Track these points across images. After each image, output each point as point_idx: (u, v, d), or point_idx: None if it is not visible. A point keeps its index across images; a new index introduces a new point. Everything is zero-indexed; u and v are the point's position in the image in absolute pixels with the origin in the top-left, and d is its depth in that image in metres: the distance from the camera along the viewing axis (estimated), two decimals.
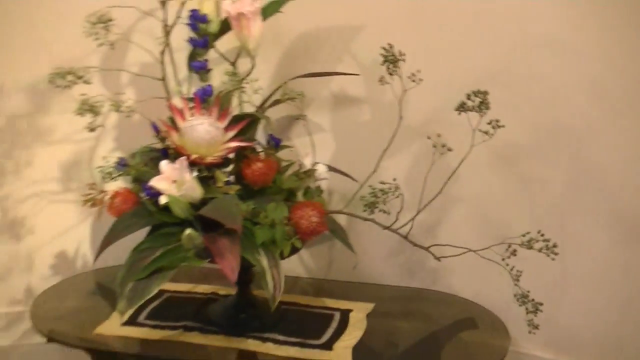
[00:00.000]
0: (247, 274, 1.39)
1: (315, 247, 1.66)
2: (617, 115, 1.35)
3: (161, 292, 1.51)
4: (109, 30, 1.26)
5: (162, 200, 1.19)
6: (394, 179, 1.22)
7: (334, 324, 1.38)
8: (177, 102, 1.29)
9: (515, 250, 1.19)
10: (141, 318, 1.41)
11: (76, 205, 1.70)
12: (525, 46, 1.40)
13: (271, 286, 1.17)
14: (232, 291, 1.47)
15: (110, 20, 1.26)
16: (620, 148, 1.36)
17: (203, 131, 1.22)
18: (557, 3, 1.36)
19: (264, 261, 1.19)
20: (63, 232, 1.73)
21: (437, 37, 1.46)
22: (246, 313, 1.41)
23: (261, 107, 1.36)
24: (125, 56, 1.57)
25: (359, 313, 1.42)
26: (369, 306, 1.45)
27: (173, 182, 1.20)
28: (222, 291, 1.51)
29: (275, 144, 1.35)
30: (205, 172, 1.24)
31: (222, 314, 1.41)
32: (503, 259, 1.23)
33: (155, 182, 1.20)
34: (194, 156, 1.21)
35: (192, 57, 1.36)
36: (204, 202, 1.21)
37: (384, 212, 1.21)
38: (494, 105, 1.21)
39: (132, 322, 1.40)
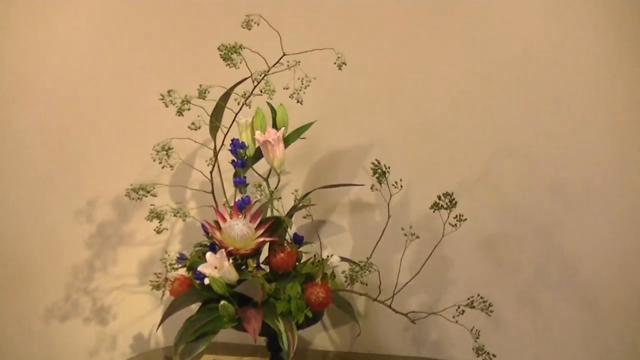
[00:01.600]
0: (277, 344, 1.75)
1: (340, 327, 2.00)
2: (571, 209, 1.68)
3: None
4: (170, 155, 1.68)
5: (206, 281, 1.58)
6: (368, 258, 1.58)
7: None
8: (221, 209, 1.70)
9: (463, 310, 1.53)
10: None
11: (150, 296, 2.11)
12: (494, 157, 1.76)
13: (286, 344, 1.53)
14: None
15: (170, 148, 1.68)
16: (582, 236, 1.68)
17: (238, 230, 1.62)
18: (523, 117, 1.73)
19: (281, 326, 1.55)
20: (139, 318, 2.13)
21: (425, 154, 1.83)
22: None
23: (290, 213, 1.75)
24: (186, 175, 2.00)
25: None
26: None
27: (215, 268, 1.60)
28: None
29: (297, 240, 1.74)
30: (240, 260, 1.64)
31: None
32: (473, 329, 1.57)
33: (202, 268, 1.60)
34: (230, 248, 1.61)
35: (235, 176, 1.78)
36: (239, 283, 1.60)
37: (363, 283, 1.58)
38: (473, 203, 1.57)
39: None
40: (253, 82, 1.62)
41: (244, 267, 1.64)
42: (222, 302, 1.53)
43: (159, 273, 1.75)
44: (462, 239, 1.74)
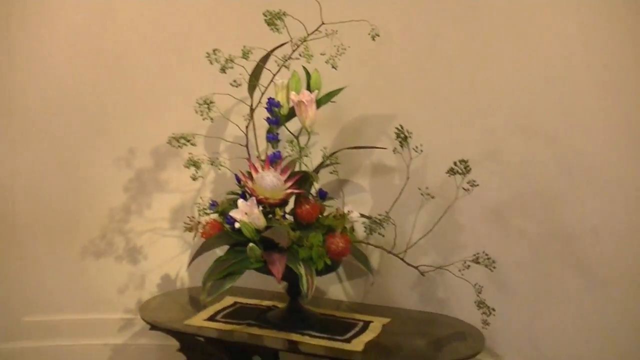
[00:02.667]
0: (296, 288, 1.90)
1: (354, 280, 2.16)
2: (575, 184, 1.81)
3: (235, 303, 2.04)
4: (210, 109, 1.83)
5: (237, 225, 1.73)
6: (386, 212, 1.72)
7: (357, 328, 1.86)
8: (255, 161, 1.85)
9: (469, 265, 1.67)
10: (218, 317, 1.94)
11: (179, 240, 2.28)
12: (506, 132, 1.89)
13: (306, 287, 1.68)
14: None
15: (212, 102, 1.83)
16: (584, 210, 1.80)
17: (269, 181, 1.76)
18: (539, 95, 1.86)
19: (302, 270, 1.70)
20: (168, 260, 2.29)
21: (443, 126, 1.97)
22: (294, 317, 1.91)
23: (316, 169, 1.89)
24: (223, 128, 2.13)
25: (377, 323, 1.90)
26: (386, 320, 1.93)
27: (245, 214, 1.75)
28: (281, 304, 2.02)
29: (321, 195, 1.89)
30: (268, 209, 1.79)
31: (276, 317, 1.92)
32: (476, 284, 1.71)
33: (234, 213, 1.75)
34: (260, 197, 1.76)
35: (268, 132, 1.93)
36: (266, 229, 1.75)
37: (381, 235, 1.72)
38: (485, 174, 1.71)
39: (211, 319, 1.92)
40: (292, 46, 1.76)
41: (271, 215, 1.79)
42: (251, 244, 1.68)
43: (192, 217, 1.90)
44: (472, 206, 1.87)
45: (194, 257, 1.77)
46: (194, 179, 1.90)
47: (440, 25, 1.96)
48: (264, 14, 1.69)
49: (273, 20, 1.70)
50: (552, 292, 1.87)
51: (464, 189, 1.71)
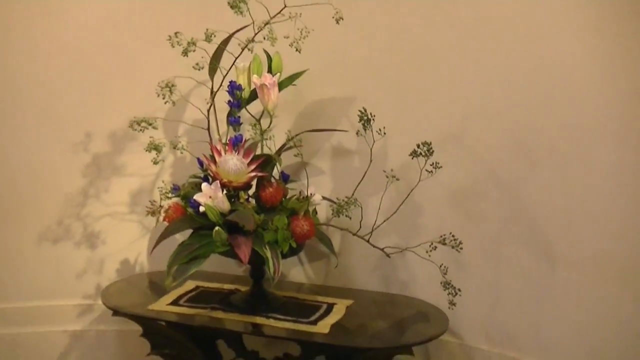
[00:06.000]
0: (260, 272, 1.91)
1: (315, 263, 2.17)
2: (535, 168, 1.84)
3: (197, 287, 2.04)
4: (173, 92, 1.81)
5: (201, 209, 1.73)
6: (352, 194, 1.74)
7: (321, 311, 1.88)
8: (217, 145, 1.83)
9: (435, 247, 1.70)
10: (181, 302, 1.93)
11: (138, 224, 2.25)
12: (467, 116, 1.91)
13: (272, 270, 1.68)
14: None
15: (173, 85, 1.81)
16: (544, 194, 1.83)
17: (232, 164, 1.75)
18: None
19: (268, 253, 1.70)
20: (127, 245, 2.27)
21: (404, 109, 1.98)
22: (257, 300, 1.91)
23: (278, 152, 1.89)
24: (182, 112, 2.12)
25: (341, 305, 1.92)
26: (349, 302, 1.94)
27: (209, 198, 1.74)
28: (243, 288, 2.02)
29: (284, 177, 1.89)
30: (232, 192, 1.78)
31: (240, 300, 1.92)
32: (442, 265, 1.74)
33: (198, 197, 1.74)
34: (224, 180, 1.75)
35: (229, 115, 1.92)
36: (230, 212, 1.74)
37: (348, 217, 1.73)
38: (446, 158, 1.73)
39: (174, 303, 1.92)
40: (255, 29, 1.75)
41: (235, 199, 1.78)
42: (217, 228, 1.68)
43: (154, 201, 1.88)
44: (433, 189, 1.88)
45: (158, 242, 1.75)
46: (155, 162, 1.88)
47: (403, 8, 1.97)
48: None
49: (236, 2, 1.68)
50: (513, 274, 1.90)
51: (427, 171, 1.73)
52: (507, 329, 1.94)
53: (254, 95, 1.90)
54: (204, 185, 1.75)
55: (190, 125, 2.00)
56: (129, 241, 2.27)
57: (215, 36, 1.75)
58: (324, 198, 1.89)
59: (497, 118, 1.88)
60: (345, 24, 1.75)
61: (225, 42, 1.84)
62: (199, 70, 1.79)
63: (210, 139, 1.90)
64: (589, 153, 1.77)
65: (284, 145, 1.88)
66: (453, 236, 1.69)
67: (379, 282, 2.10)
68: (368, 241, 1.78)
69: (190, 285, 2.05)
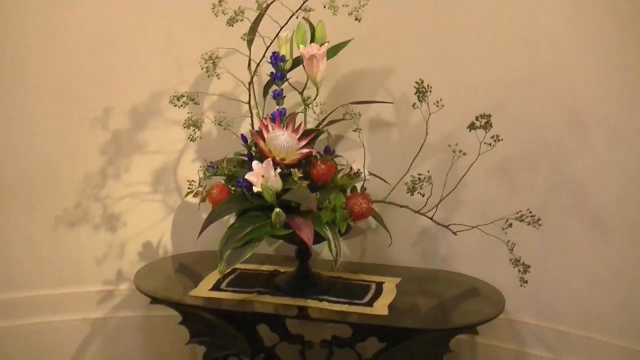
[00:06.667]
0: (307, 253, 1.83)
1: (350, 239, 2.09)
2: (586, 139, 1.80)
3: (234, 269, 1.92)
4: (216, 65, 1.70)
5: (255, 189, 1.62)
6: (428, 171, 1.66)
7: (372, 291, 1.80)
8: (258, 120, 1.73)
9: (511, 224, 1.63)
10: (222, 286, 1.83)
11: (162, 204, 2.14)
12: (519, 87, 1.85)
13: (335, 252, 1.60)
14: (290, 268, 1.90)
15: (218, 58, 1.70)
16: (594, 163, 1.79)
17: (283, 140, 1.65)
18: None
19: (329, 234, 1.62)
20: (150, 226, 2.15)
21: (450, 80, 1.88)
22: (305, 282, 1.83)
23: (320, 124, 1.80)
24: (205, 87, 1.98)
25: (390, 284, 1.85)
26: (397, 280, 1.88)
27: (262, 177, 1.64)
28: (282, 269, 1.93)
29: (327, 152, 1.79)
30: (284, 170, 1.68)
31: (287, 283, 1.84)
32: (507, 240, 1.67)
33: (249, 176, 1.63)
34: (276, 158, 1.65)
35: (267, 87, 1.81)
36: (283, 192, 1.65)
37: (421, 194, 1.65)
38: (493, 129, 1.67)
39: (216, 288, 1.82)
40: None
41: (287, 177, 1.68)
42: (277, 209, 1.58)
43: (192, 180, 1.77)
44: (478, 161, 1.82)
45: (205, 225, 1.65)
46: (193, 140, 1.77)
47: None
48: None
49: None
50: (561, 244, 1.86)
51: (487, 144, 1.66)
52: (554, 302, 1.90)
53: (292, 67, 1.80)
54: (255, 163, 1.65)
55: (230, 99, 1.88)
56: (151, 223, 2.15)
57: (267, 4, 1.63)
58: (370, 174, 1.80)
59: (547, 89, 1.81)
60: None
61: (265, 8, 1.73)
62: (251, 41, 1.68)
63: (251, 114, 1.79)
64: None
65: (326, 117, 1.79)
66: (530, 212, 1.63)
67: (418, 258, 2.03)
68: (432, 218, 1.71)
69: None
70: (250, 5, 1.69)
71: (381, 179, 1.81)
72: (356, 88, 2.00)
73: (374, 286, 1.84)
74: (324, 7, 1.61)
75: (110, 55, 2.06)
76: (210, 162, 1.79)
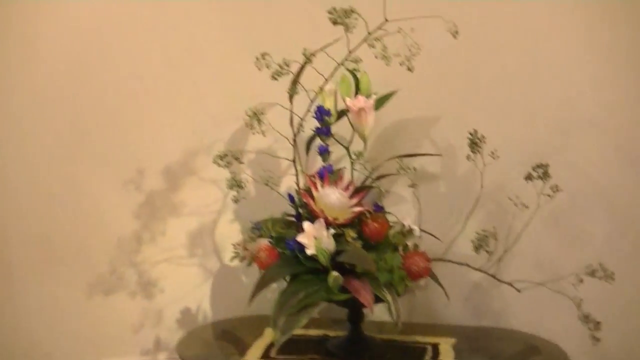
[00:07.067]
0: (360, 316, 1.74)
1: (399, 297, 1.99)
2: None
3: None
4: (261, 121, 1.63)
5: (309, 251, 1.54)
6: (494, 227, 1.58)
7: (430, 353, 1.71)
8: (305, 178, 1.66)
9: (582, 279, 1.54)
10: (272, 354, 1.74)
11: (199, 268, 2.05)
12: (571, 132, 1.78)
13: (395, 315, 1.51)
14: (340, 332, 1.81)
15: (262, 113, 1.63)
16: None
17: (335, 199, 1.58)
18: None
19: (388, 297, 1.53)
20: (188, 292, 2.05)
21: (501, 129, 1.82)
22: (358, 346, 1.74)
23: (368, 179, 1.72)
24: (241, 143, 1.94)
25: (445, 345, 1.76)
26: (452, 340, 1.79)
27: (314, 238, 1.56)
28: (331, 333, 1.84)
29: (377, 209, 1.71)
30: (336, 230, 1.60)
31: (340, 348, 1.74)
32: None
33: (301, 238, 1.55)
34: (329, 218, 1.57)
35: (310, 142, 1.74)
36: (337, 253, 1.56)
37: (487, 252, 1.57)
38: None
39: (266, 357, 1.72)
40: (348, 47, 1.57)
41: (339, 237, 1.60)
42: (335, 273, 1.50)
43: (238, 244, 1.69)
44: (529, 211, 1.74)
45: (256, 291, 1.56)
46: (236, 201, 1.70)
47: (474, 33, 1.81)
48: (330, 12, 1.50)
49: (341, 16, 1.50)
50: (623, 297, 1.77)
51: (547, 195, 1.58)
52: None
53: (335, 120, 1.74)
54: (307, 223, 1.57)
55: (275, 157, 1.81)
56: (189, 288, 2.05)
57: (315, 56, 1.56)
58: (422, 230, 1.72)
59: (606, 131, 1.76)
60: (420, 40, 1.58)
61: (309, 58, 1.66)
62: (292, 96, 1.61)
63: (296, 171, 1.72)
64: None
65: (372, 172, 1.71)
66: (601, 265, 1.54)
67: (470, 315, 1.94)
68: (494, 276, 1.62)
69: (271, 333, 1.85)
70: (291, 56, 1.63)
71: (433, 235, 1.73)
72: (399, 140, 1.93)
73: (429, 348, 1.75)
74: (375, 57, 1.53)
75: (142, 111, 2.01)
76: (255, 223, 1.71)
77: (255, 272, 1.68)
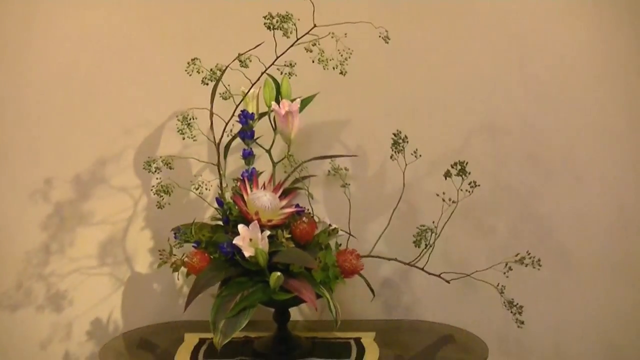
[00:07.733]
0: (285, 315, 1.76)
1: None
2: (548, 178, 1.87)
3: (203, 340, 1.83)
4: (192, 127, 1.62)
5: (247, 254, 1.55)
6: (433, 222, 1.65)
7: (355, 349, 1.76)
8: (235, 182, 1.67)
9: (510, 267, 1.64)
10: (200, 358, 1.73)
11: (110, 278, 1.99)
12: (475, 133, 1.90)
13: (334, 312, 1.55)
14: (261, 333, 1.83)
15: (193, 118, 1.62)
16: (557, 202, 1.87)
17: (266, 201, 1.60)
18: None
19: (327, 293, 1.57)
20: (98, 302, 2.00)
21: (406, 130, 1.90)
22: (286, 346, 1.76)
23: (297, 180, 1.76)
24: (152, 149, 1.93)
25: (367, 339, 1.82)
26: (372, 334, 1.85)
27: (249, 240, 1.57)
28: (253, 334, 1.85)
29: (300, 210, 1.75)
30: (270, 231, 1.62)
31: (269, 348, 1.76)
32: (498, 284, 1.69)
33: (237, 241, 1.56)
34: (263, 220, 1.59)
35: (228, 146, 1.75)
36: (271, 254, 1.58)
37: (427, 245, 1.64)
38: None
39: None
40: (276, 52, 1.60)
41: (272, 238, 1.62)
42: (278, 273, 1.52)
43: (162, 250, 1.67)
44: (439, 207, 1.83)
45: (191, 298, 1.55)
46: (161, 207, 1.68)
47: (403, 35, 1.87)
48: (266, 17, 1.52)
49: (280, 22, 1.52)
50: (526, 281, 1.89)
51: (467, 191, 1.67)
52: (525, 339, 1.96)
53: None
54: (242, 227, 1.58)
55: (201, 161, 1.80)
56: (99, 298, 2.00)
57: (250, 61, 1.58)
58: (342, 230, 1.77)
59: (508, 133, 1.90)
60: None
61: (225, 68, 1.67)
62: (225, 99, 1.62)
63: (220, 175, 1.72)
64: (601, 161, 1.83)
65: (291, 173, 1.76)
66: (529, 253, 1.64)
67: (380, 309, 2.01)
68: (423, 269, 1.69)
69: (192, 338, 1.85)
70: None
71: (349, 233, 1.78)
72: (313, 142, 1.98)
73: (353, 343, 1.80)
74: (312, 62, 1.57)
75: (45, 122, 1.95)
76: (175, 229, 1.70)
77: (167, 279, 1.67)
